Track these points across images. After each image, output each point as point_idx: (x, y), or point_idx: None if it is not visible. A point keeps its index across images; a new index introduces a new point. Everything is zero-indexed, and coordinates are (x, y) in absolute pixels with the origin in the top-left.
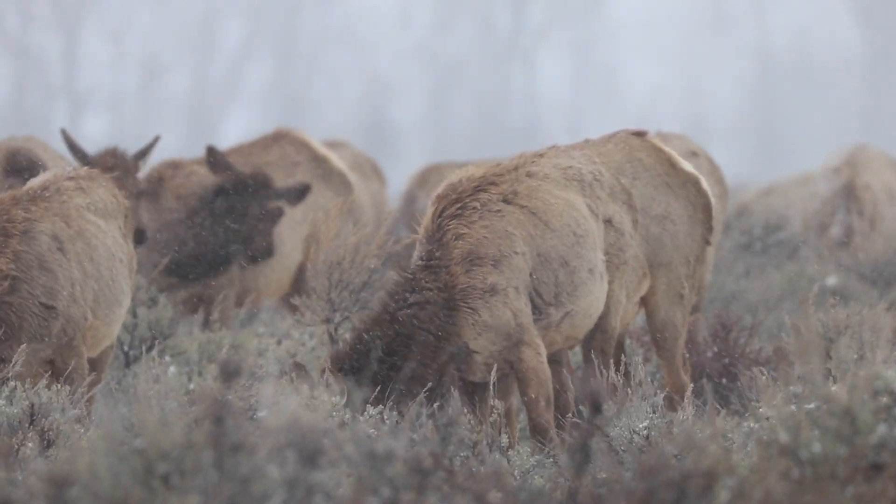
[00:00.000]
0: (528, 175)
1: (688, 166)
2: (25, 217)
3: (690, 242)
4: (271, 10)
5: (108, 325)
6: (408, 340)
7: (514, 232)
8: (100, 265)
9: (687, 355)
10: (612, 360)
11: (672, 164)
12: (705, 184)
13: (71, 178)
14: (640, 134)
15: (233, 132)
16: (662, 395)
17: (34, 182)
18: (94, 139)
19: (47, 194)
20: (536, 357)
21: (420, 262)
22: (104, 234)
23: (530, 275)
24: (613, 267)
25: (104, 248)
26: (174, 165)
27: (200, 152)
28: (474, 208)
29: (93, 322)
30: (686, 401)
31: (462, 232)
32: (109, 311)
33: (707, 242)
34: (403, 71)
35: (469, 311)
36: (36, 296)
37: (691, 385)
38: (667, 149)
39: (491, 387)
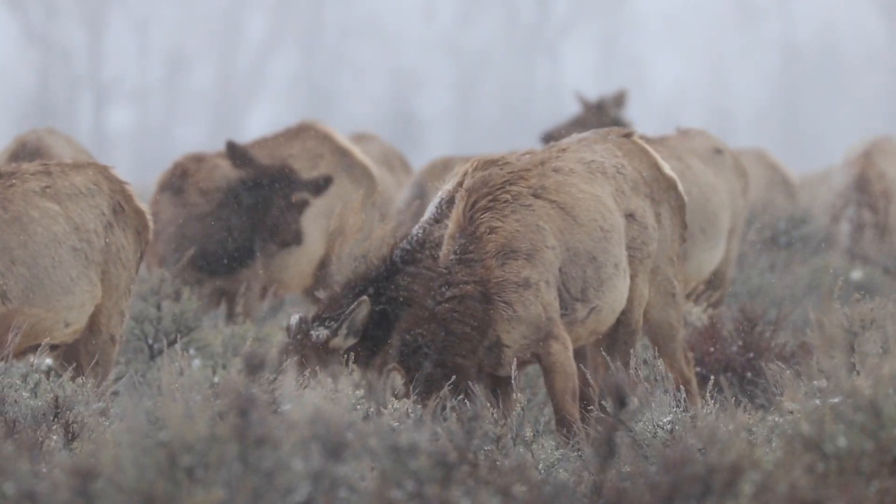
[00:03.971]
0: (555, 170)
1: (669, 170)
2: None
3: (672, 243)
4: (296, 2)
5: (55, 313)
6: (447, 335)
7: (545, 226)
8: (37, 252)
9: (690, 352)
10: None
11: (657, 167)
12: (681, 187)
13: (44, 164)
14: (627, 135)
15: (257, 125)
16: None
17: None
18: (118, 131)
19: None
20: (564, 351)
21: (454, 256)
22: (52, 219)
23: (559, 269)
24: (637, 261)
25: (47, 234)
26: (198, 159)
27: (224, 145)
28: (506, 201)
29: (24, 309)
30: (693, 394)
31: (495, 225)
32: (51, 298)
33: (683, 240)
34: (428, 63)
35: (504, 304)
36: None
37: (693, 378)
38: (651, 151)
39: (513, 380)
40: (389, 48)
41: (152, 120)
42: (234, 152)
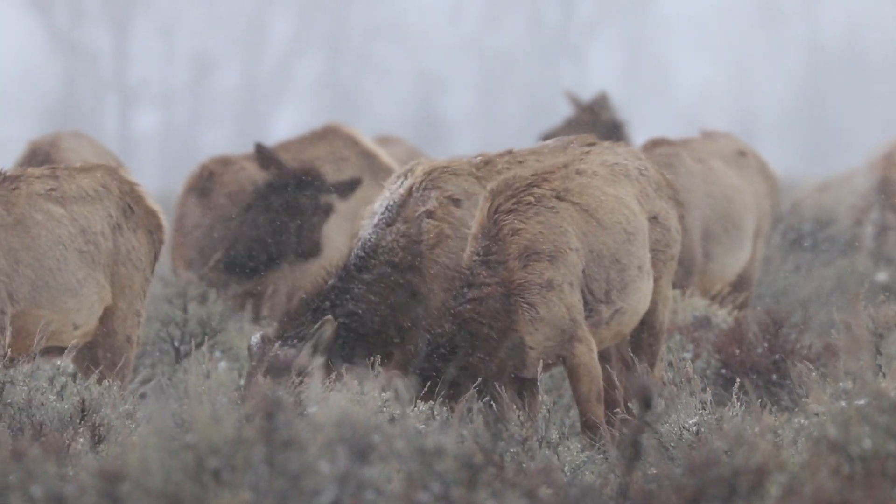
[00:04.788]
0: (578, 172)
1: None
2: None
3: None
4: (321, 5)
5: (62, 315)
6: (468, 336)
7: (569, 228)
8: (41, 254)
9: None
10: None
11: None
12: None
13: (52, 168)
14: (592, 143)
15: (283, 128)
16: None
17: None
18: (144, 134)
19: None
20: (588, 353)
21: (477, 258)
22: (56, 222)
23: (583, 271)
24: (660, 263)
25: (51, 236)
26: (224, 162)
27: (251, 148)
28: (529, 203)
29: (32, 311)
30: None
31: (518, 227)
32: (57, 300)
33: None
34: (453, 66)
35: (527, 306)
36: None
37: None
38: None
39: (539, 382)
40: (414, 50)
41: (178, 123)
42: (263, 155)
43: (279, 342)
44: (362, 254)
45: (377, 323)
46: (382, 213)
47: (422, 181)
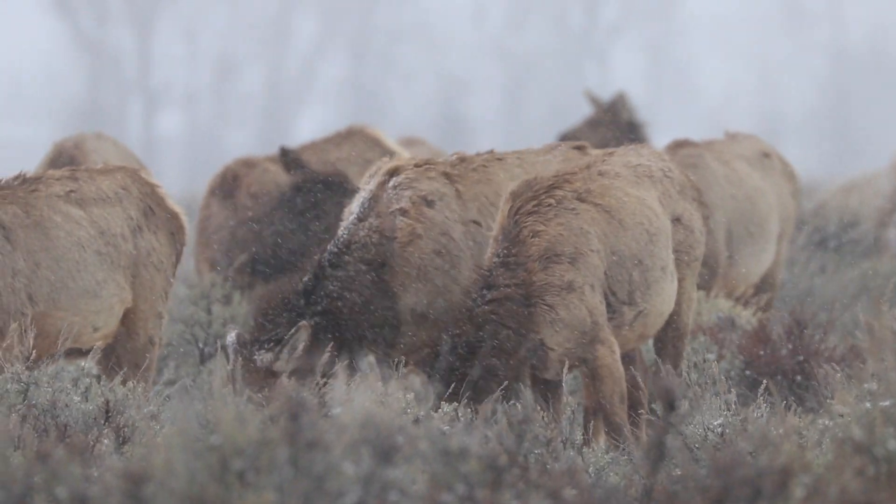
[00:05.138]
0: (601, 174)
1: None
2: None
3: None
4: (345, 6)
5: (82, 317)
6: (489, 338)
7: (590, 230)
8: (60, 256)
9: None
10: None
11: None
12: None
13: (72, 170)
14: (580, 147)
15: (306, 129)
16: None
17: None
18: (168, 136)
19: (16, 183)
20: (611, 355)
21: (497, 259)
22: (75, 224)
23: (605, 273)
24: (684, 264)
25: (70, 238)
26: (248, 163)
27: (274, 149)
28: (550, 205)
29: (52, 312)
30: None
31: (539, 229)
32: (77, 301)
33: None
34: (477, 68)
35: (546, 307)
36: None
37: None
38: None
39: (563, 383)
40: (438, 52)
41: (202, 124)
42: (287, 157)
43: (256, 345)
44: (335, 250)
45: (352, 320)
46: (357, 209)
47: (396, 179)
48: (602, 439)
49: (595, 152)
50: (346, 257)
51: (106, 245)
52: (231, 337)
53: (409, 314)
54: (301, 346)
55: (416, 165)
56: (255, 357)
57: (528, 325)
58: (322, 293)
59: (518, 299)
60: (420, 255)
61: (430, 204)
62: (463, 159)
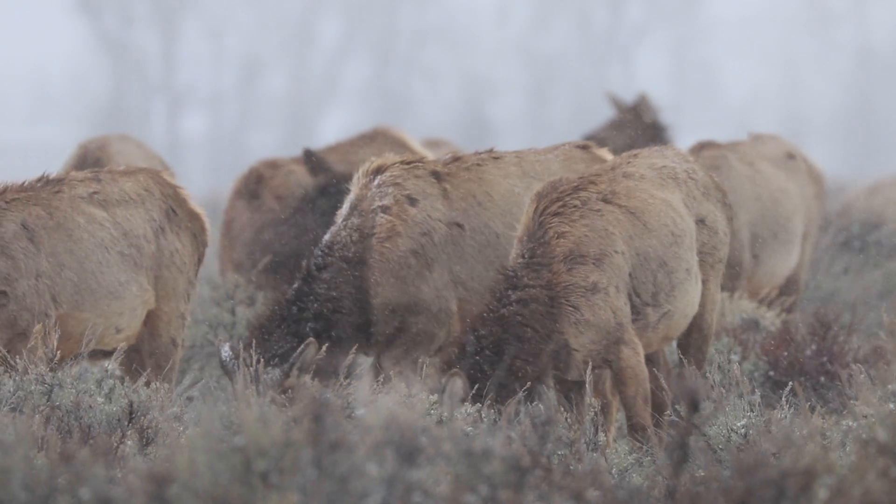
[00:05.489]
0: (625, 176)
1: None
2: None
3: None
4: (369, 8)
5: (105, 318)
6: (512, 338)
7: (614, 231)
8: (83, 257)
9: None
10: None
11: None
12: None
13: (95, 171)
14: (584, 146)
15: (331, 131)
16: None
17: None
18: (192, 137)
19: (40, 184)
20: (635, 356)
21: (521, 260)
22: (99, 225)
23: (629, 274)
24: (708, 266)
25: (93, 239)
26: (273, 165)
27: (298, 151)
28: (575, 206)
29: (75, 314)
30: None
31: (563, 230)
32: (100, 303)
33: None
34: (501, 69)
35: (571, 309)
36: None
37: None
38: (610, 159)
39: (587, 385)
40: (462, 53)
41: (226, 126)
42: (312, 159)
43: (262, 362)
44: (320, 252)
45: (342, 320)
46: (345, 211)
47: (380, 178)
48: (613, 431)
49: (599, 151)
50: (330, 258)
51: (129, 246)
52: (226, 351)
53: (380, 310)
54: (310, 361)
55: (404, 163)
56: (264, 376)
57: (553, 326)
58: (312, 297)
59: (543, 300)
60: (397, 252)
61: (413, 202)
62: (457, 158)
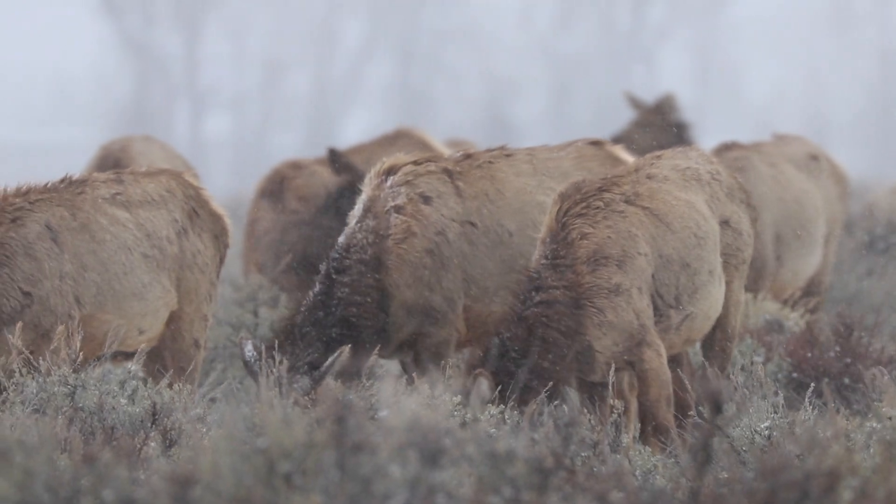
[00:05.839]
0: (649, 177)
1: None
2: (20, 206)
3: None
4: (392, 8)
5: (128, 319)
6: (536, 340)
7: (637, 233)
8: (106, 258)
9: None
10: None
11: None
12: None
13: (117, 172)
14: (597, 143)
15: (353, 131)
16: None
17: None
18: (215, 139)
19: (63, 185)
20: (657, 357)
21: (545, 261)
22: (122, 226)
23: (652, 276)
24: (731, 267)
25: (116, 240)
26: (296, 166)
27: (321, 152)
28: (598, 208)
29: (98, 315)
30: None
31: (587, 231)
32: (123, 304)
33: None
34: (524, 69)
35: (595, 310)
36: (16, 280)
37: (812, 386)
38: (623, 157)
39: (610, 386)
40: (485, 54)
41: (249, 127)
42: (335, 160)
43: (290, 369)
44: (337, 255)
45: (368, 324)
46: (358, 213)
47: (393, 178)
48: (633, 431)
49: (611, 148)
50: (347, 261)
51: (151, 248)
52: (248, 349)
53: (399, 310)
54: (341, 367)
55: (415, 163)
56: (295, 386)
57: (577, 327)
58: (335, 301)
59: (566, 301)
60: (414, 253)
61: (427, 201)
62: (468, 156)
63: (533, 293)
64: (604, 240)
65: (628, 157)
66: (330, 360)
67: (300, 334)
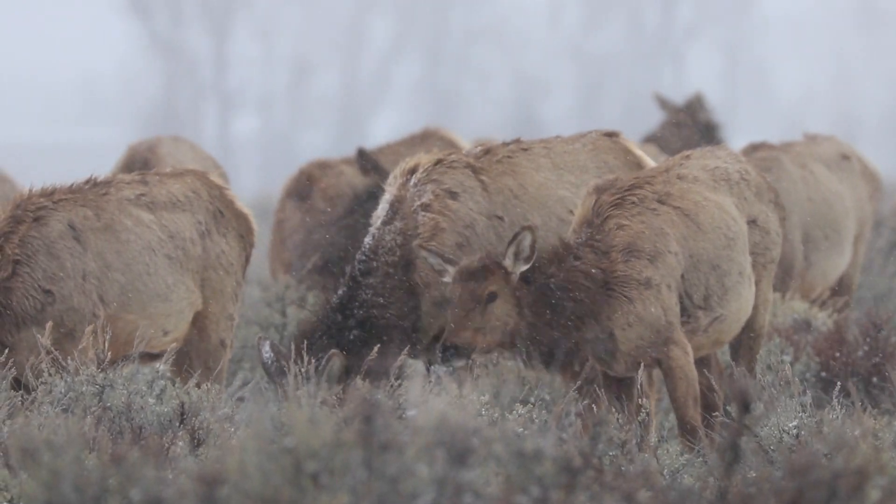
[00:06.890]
0: (679, 177)
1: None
2: (43, 205)
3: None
4: (420, 8)
5: (152, 320)
6: (559, 302)
7: (669, 231)
8: (130, 259)
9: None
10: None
11: (639, 167)
12: None
13: (142, 174)
14: (612, 135)
15: (381, 131)
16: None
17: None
18: (243, 138)
19: (87, 186)
20: (684, 356)
21: (581, 240)
22: (146, 227)
23: (682, 276)
24: (760, 266)
25: (140, 241)
26: (323, 165)
27: (349, 151)
28: (633, 203)
29: (122, 315)
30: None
31: (623, 223)
32: (146, 304)
33: None
34: (553, 69)
35: (624, 299)
36: (36, 279)
37: (838, 385)
38: (637, 151)
39: (638, 385)
40: (513, 53)
41: (277, 127)
42: (364, 159)
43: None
44: (363, 258)
45: (393, 325)
46: (382, 213)
47: (416, 176)
48: (654, 428)
49: (626, 141)
50: (375, 263)
51: (175, 249)
52: (266, 351)
53: (431, 307)
54: (336, 374)
55: (438, 160)
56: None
57: (603, 308)
58: (357, 304)
59: (598, 280)
60: (444, 249)
61: (454, 196)
62: (488, 151)
63: (570, 259)
64: (638, 233)
65: (641, 152)
66: (323, 363)
67: (317, 339)
